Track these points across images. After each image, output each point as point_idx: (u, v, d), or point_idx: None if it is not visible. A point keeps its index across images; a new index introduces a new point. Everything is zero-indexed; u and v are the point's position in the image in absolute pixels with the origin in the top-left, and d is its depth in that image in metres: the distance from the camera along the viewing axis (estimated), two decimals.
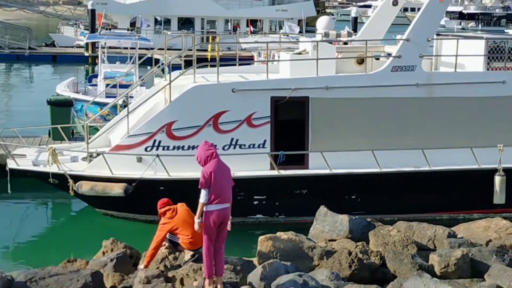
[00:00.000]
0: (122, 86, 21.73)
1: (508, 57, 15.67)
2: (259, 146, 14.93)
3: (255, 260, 9.99)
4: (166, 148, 14.50)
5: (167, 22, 52.50)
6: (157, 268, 9.41)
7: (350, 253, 9.92)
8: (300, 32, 38.94)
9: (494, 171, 14.95)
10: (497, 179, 14.88)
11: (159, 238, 9.51)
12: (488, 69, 15.74)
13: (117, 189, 14.25)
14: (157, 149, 14.46)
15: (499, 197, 14.97)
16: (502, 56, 15.68)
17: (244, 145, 14.89)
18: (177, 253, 9.74)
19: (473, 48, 15.91)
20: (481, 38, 16.27)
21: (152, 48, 26.35)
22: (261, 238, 10.13)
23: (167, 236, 9.62)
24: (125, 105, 16.24)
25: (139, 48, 27.00)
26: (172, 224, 9.48)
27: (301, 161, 15.21)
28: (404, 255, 10.02)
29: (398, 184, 15.18)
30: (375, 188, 15.09)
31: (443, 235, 10.95)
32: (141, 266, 9.60)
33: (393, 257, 10.01)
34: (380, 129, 15.20)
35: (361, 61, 15.75)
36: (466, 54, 15.63)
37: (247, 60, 25.78)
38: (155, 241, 9.50)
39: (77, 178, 14.64)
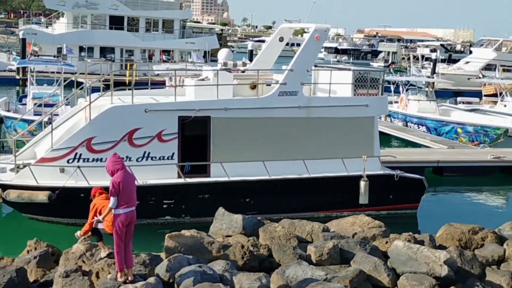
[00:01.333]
0: (48, 105, 21.09)
1: (369, 85, 16.44)
2: (168, 158, 14.87)
3: (162, 255, 9.91)
4: (86, 160, 14.17)
5: (91, 50, 51.37)
6: (75, 263, 9.19)
7: (243, 247, 10.04)
8: (205, 61, 39.05)
9: (359, 177, 15.61)
10: (362, 183, 15.55)
11: (91, 214, 9.21)
12: (355, 95, 16.41)
13: (41, 196, 13.78)
14: (78, 161, 14.11)
15: (363, 198, 15.62)
16: (365, 84, 16.42)
17: (155, 157, 14.79)
18: (93, 250, 9.55)
19: (343, 78, 16.54)
20: (349, 69, 16.96)
21: (75, 73, 25.70)
22: (167, 235, 10.07)
23: (96, 224, 9.31)
24: (50, 122, 15.75)
25: (64, 73, 26.33)
26: (101, 204, 9.15)
27: (204, 171, 15.28)
28: (287, 247, 10.23)
29: (284, 188, 15.50)
30: (265, 192, 15.35)
31: (319, 230, 11.22)
32: (78, 233, 9.37)
33: (278, 249, 10.20)
34: (269, 143, 15.51)
35: (254, 86, 16.01)
36: (337, 82, 16.27)
37: (160, 84, 25.57)
38: (89, 218, 9.23)
39: (5, 187, 14.08)
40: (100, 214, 9.03)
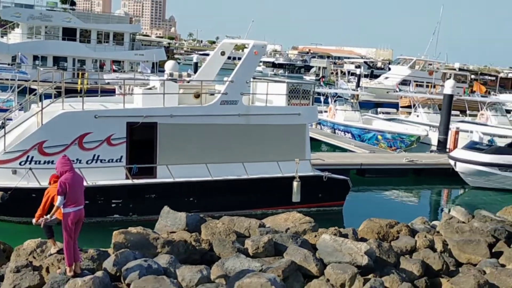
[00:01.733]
0: (2, 110, 20.17)
1: (302, 96, 16.68)
2: (116, 161, 14.54)
3: (110, 250, 9.67)
4: (37, 162, 13.65)
5: (44, 59, 49.63)
6: (26, 259, 8.83)
7: (186, 242, 9.95)
8: (153, 72, 38.50)
9: (292, 178, 15.78)
10: (295, 184, 15.72)
11: (44, 200, 8.86)
12: (289, 104, 16.60)
13: None
14: (30, 163, 13.58)
15: (296, 197, 15.79)
16: (298, 95, 16.65)
17: (105, 160, 14.43)
18: (44, 246, 9.21)
19: (278, 89, 16.72)
20: (284, 82, 17.16)
21: (29, 80, 24.79)
22: (115, 232, 9.84)
23: (45, 222, 8.92)
24: (3, 126, 15.08)
25: (18, 80, 25.33)
26: (54, 191, 8.68)
27: (151, 172, 15.04)
28: (227, 242, 10.20)
29: (225, 188, 15.46)
30: (208, 192, 15.27)
31: (256, 225, 11.26)
32: (33, 221, 8.90)
33: (218, 243, 10.16)
34: (212, 147, 15.46)
35: (197, 95, 15.91)
36: (273, 93, 16.42)
37: (110, 92, 24.98)
38: (42, 203, 8.87)
39: None
40: (52, 200, 8.69)
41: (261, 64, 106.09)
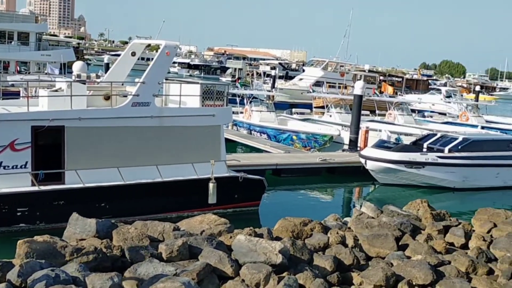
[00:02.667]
0: None
1: (216, 97, 16.71)
2: (21, 167, 13.81)
3: (14, 261, 9.16)
4: None
5: None
6: None
7: (96, 249, 9.63)
8: (61, 73, 36.93)
9: (208, 179, 15.76)
10: (210, 185, 15.71)
11: None
12: (203, 106, 16.57)
13: None
14: None
15: (212, 198, 15.79)
16: (212, 96, 16.67)
17: (8, 166, 13.67)
18: None
19: (192, 90, 16.63)
20: (197, 83, 17.10)
21: None
22: (19, 242, 9.33)
23: None
24: None
25: None
26: None
27: (59, 178, 14.42)
28: (139, 247, 10.01)
29: (138, 192, 15.15)
30: (120, 197, 14.89)
31: (170, 229, 11.14)
32: None
33: (130, 249, 9.93)
34: (123, 151, 15.08)
35: (107, 97, 15.49)
36: (187, 94, 16.32)
37: (15, 95, 23.68)
38: None
39: None
40: None
41: (176, 65, 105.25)
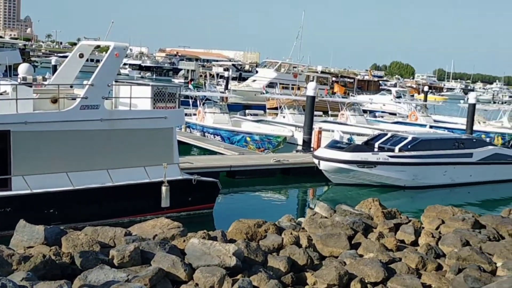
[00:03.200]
0: None
1: (167, 99, 16.56)
2: None
3: None
4: None
5: None
6: None
7: (44, 256, 9.34)
8: (6, 75, 35.67)
9: (161, 183, 15.60)
10: (163, 188, 15.55)
11: None
12: (154, 108, 16.39)
13: None
14: None
15: (165, 202, 15.64)
16: (163, 98, 16.50)
17: None
18: None
19: (143, 92, 16.42)
20: (148, 85, 16.92)
21: None
22: None
23: None
24: None
25: None
26: None
27: (5, 185, 13.93)
28: (90, 253, 9.78)
29: (89, 197, 14.83)
30: (70, 202, 14.53)
31: (121, 234, 10.93)
32: None
33: (80, 255, 9.70)
34: (72, 155, 14.72)
35: (55, 100, 15.09)
36: (137, 97, 16.10)
37: None
38: None
39: None
40: None
41: (127, 66, 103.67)
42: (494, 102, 76.52)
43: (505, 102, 66.24)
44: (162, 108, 16.41)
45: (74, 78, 17.08)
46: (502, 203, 23.26)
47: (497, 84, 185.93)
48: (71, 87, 16.76)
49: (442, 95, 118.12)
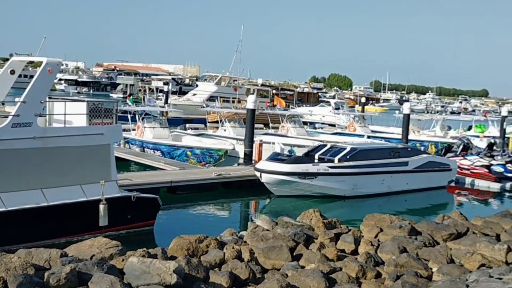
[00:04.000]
0: None
1: (104, 115, 16.23)
2: None
3: None
4: None
5: None
6: None
7: None
8: None
9: (98, 201, 15.21)
10: (101, 207, 15.15)
11: None
12: (90, 124, 16.01)
13: None
14: None
15: (103, 221, 15.23)
16: (100, 114, 16.17)
17: None
18: None
19: (78, 108, 16.03)
20: (83, 101, 16.53)
21: None
22: None
23: None
24: None
25: None
26: None
27: None
28: (24, 277, 9.40)
29: (22, 218, 14.22)
30: (3, 224, 13.87)
31: (57, 256, 10.60)
32: None
33: (13, 280, 9.27)
34: (4, 175, 14.11)
35: None
36: (72, 113, 15.70)
37: None
38: None
39: None
40: None
41: (62, 82, 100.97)
42: (428, 112, 79.88)
43: (438, 112, 69.32)
44: (99, 124, 16.06)
45: (5, 95, 16.45)
46: (436, 209, 24.21)
47: (430, 94, 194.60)
48: (3, 104, 16.16)
49: (382, 106, 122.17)
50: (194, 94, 66.26)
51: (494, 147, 33.37)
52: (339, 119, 53.68)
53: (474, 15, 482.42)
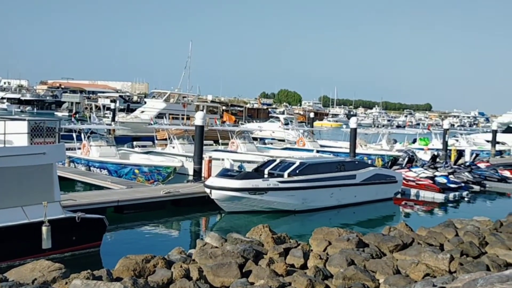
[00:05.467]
0: None
1: (46, 134, 15.80)
2: None
3: None
4: None
5: None
6: None
7: None
8: None
9: (41, 222, 14.71)
10: (44, 229, 14.65)
11: None
12: (31, 143, 15.54)
13: None
14: None
15: (46, 243, 14.72)
16: (42, 133, 15.73)
17: None
18: None
19: (19, 128, 15.53)
20: (24, 120, 16.04)
21: None
22: None
23: None
24: None
25: None
26: None
27: None
28: None
29: None
30: None
31: None
32: None
33: None
34: None
35: None
36: (12, 133, 15.20)
37: None
38: None
39: None
40: None
41: (5, 101, 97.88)
42: (375, 126, 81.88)
43: (384, 126, 71.22)
44: (40, 143, 15.60)
45: None
46: (383, 220, 24.74)
47: (376, 109, 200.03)
48: None
49: (337, 121, 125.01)
50: (142, 111, 65.51)
51: (438, 159, 34.59)
52: (289, 135, 54.24)
53: (417, 29, 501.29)
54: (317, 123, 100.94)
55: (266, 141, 51.29)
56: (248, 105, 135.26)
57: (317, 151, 42.57)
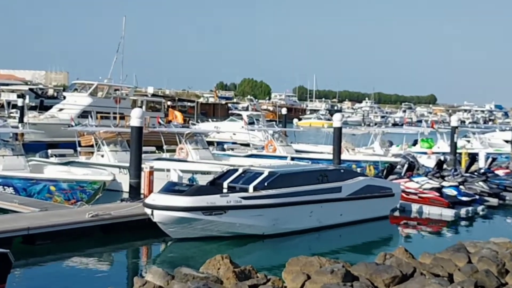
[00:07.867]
0: None
1: None
2: None
3: None
4: None
5: None
6: None
7: None
8: None
9: None
10: None
11: None
12: None
13: None
14: None
15: None
16: None
17: None
18: None
19: None
20: None
21: None
22: None
23: None
24: None
25: None
26: None
27: None
28: None
29: None
30: None
31: None
32: None
33: None
34: None
35: None
36: None
37: None
38: None
39: None
40: None
41: None
42: (365, 124, 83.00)
43: (377, 124, 72.18)
44: None
45: None
46: (377, 245, 24.93)
47: (367, 102, 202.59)
48: None
49: (323, 119, 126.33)
50: (61, 109, 64.72)
51: (445, 166, 35.17)
52: (254, 137, 54.40)
53: (416, 6, 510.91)
54: (301, 123, 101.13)
55: (225, 146, 51.23)
56: (201, 100, 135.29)
57: (292, 158, 42.81)
